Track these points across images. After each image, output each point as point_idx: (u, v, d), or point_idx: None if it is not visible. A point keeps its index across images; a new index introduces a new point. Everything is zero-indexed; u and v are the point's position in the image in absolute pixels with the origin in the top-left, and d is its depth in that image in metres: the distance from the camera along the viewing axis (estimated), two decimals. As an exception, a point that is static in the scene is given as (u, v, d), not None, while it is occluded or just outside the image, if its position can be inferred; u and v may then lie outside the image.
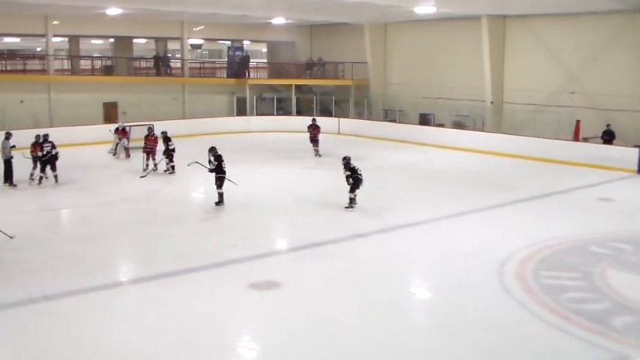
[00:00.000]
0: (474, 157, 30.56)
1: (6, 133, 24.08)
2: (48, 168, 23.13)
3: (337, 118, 39.47)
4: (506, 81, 34.66)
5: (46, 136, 23.78)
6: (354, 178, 19.42)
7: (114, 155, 30.33)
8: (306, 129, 30.73)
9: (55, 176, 23.29)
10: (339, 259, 14.75)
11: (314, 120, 31.17)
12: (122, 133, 30.43)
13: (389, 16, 37.02)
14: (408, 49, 39.71)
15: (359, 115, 40.23)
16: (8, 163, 23.33)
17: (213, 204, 19.92)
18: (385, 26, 40.76)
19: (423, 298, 13.07)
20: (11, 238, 15.06)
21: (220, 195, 19.85)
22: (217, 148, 20.54)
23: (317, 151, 30.08)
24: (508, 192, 22.33)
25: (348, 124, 38.93)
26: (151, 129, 26.98)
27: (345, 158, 19.82)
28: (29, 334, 10.70)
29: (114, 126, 31.42)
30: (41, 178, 23.05)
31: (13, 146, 23.48)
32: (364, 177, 19.51)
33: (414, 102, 36.94)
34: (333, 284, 13.08)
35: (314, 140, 30.24)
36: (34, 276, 13.66)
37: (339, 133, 38.08)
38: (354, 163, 19.79)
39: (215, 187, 19.83)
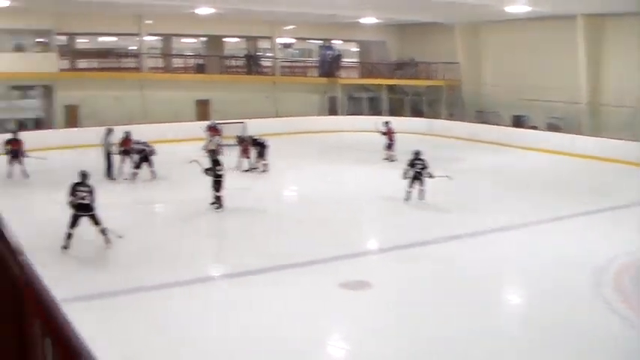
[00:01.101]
0: (569, 160, 29.85)
1: (107, 129, 24.87)
2: (145, 164, 23.71)
3: (428, 119, 39.28)
4: (602, 82, 33.82)
5: (128, 133, 24.50)
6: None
7: (207, 152, 30.82)
8: (383, 131, 29.58)
9: (152, 172, 23.90)
10: (431, 261, 14.66)
11: (387, 123, 30.18)
12: (214, 130, 30.92)
13: (480, 16, 36.55)
14: (501, 49, 39.06)
15: (450, 116, 39.90)
16: (109, 158, 24.08)
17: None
18: (477, 26, 40.26)
19: (516, 303, 12.91)
20: (120, 237, 15.37)
21: (218, 198, 19.53)
22: (217, 152, 20.69)
23: (391, 156, 29.03)
24: (606, 197, 21.71)
25: (439, 124, 38.60)
26: (241, 138, 27.22)
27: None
28: (123, 323, 11.04)
29: (206, 123, 31.94)
30: (135, 174, 23.64)
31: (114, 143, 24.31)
32: (455, 177, 19.36)
33: (508, 103, 36.32)
34: (423, 286, 13.03)
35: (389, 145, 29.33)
36: (128, 268, 14.09)
37: (430, 134, 37.89)
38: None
39: (213, 190, 19.59)
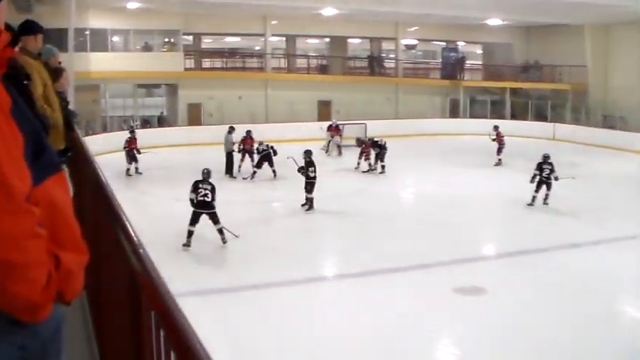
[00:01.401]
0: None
1: (229, 127, 25.49)
2: (266, 164, 24.11)
3: (553, 123, 38.38)
4: None
5: (249, 132, 25.02)
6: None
7: (326, 152, 31.09)
8: (493, 137, 28.98)
9: (274, 171, 24.29)
10: (549, 269, 14.36)
11: (496, 127, 29.50)
12: (335, 130, 31.17)
13: (612, 17, 35.43)
14: (633, 51, 37.73)
15: (576, 121, 38.80)
16: (229, 156, 24.67)
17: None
18: (608, 27, 39.04)
19: (635, 316, 12.53)
20: (237, 237, 15.79)
21: (310, 200, 19.65)
22: (312, 153, 20.58)
23: (500, 160, 28.80)
24: None
25: (563, 129, 37.65)
26: (360, 140, 27.33)
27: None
28: (236, 318, 11.33)
29: (327, 123, 32.20)
30: (254, 172, 24.05)
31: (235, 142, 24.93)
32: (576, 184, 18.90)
33: (637, 108, 34.98)
34: (540, 294, 12.79)
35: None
36: (243, 264, 14.44)
37: (554, 139, 37.00)
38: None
39: (305, 191, 19.71)
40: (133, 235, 2.46)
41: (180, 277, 12.57)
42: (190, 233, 15.20)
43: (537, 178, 20.15)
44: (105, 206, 3.14)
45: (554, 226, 18.14)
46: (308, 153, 20.44)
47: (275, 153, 24.17)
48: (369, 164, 26.01)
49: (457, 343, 10.84)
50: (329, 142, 31.22)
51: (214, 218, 15.28)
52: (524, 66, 43.18)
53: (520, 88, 42.81)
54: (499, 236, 17.97)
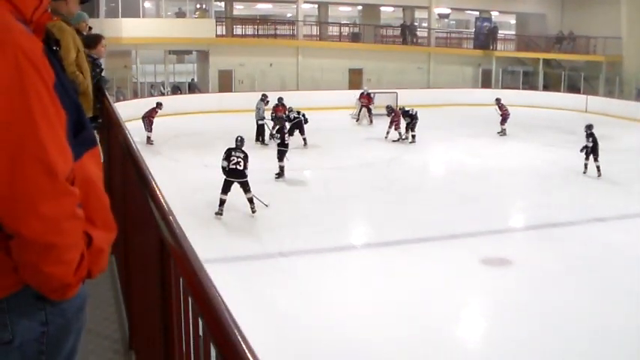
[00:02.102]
0: None
1: (262, 95, 25.51)
2: (297, 132, 24.10)
3: (585, 96, 37.91)
4: None
5: (280, 99, 25.07)
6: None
7: (357, 121, 31.04)
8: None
9: (304, 139, 24.30)
10: (577, 242, 14.31)
11: (499, 100, 29.28)
12: (366, 98, 31.06)
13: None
14: (670, 23, 37.06)
15: (609, 94, 38.29)
16: (261, 124, 24.69)
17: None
18: (646, -3, 38.44)
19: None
20: (267, 206, 15.79)
21: (281, 168, 19.73)
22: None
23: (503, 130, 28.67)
24: None
25: (596, 102, 37.15)
26: (391, 108, 27.16)
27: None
28: (264, 285, 11.42)
29: (358, 92, 32.09)
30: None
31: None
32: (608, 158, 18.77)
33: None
34: (567, 268, 12.72)
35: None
36: (272, 232, 14.49)
37: (586, 111, 36.60)
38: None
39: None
40: (162, 201, 2.48)
41: (209, 245, 12.71)
42: (222, 202, 15.23)
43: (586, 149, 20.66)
44: (135, 172, 3.17)
45: (585, 199, 18.03)
46: (279, 120, 21.43)
47: (306, 121, 24.15)
48: (399, 133, 25.90)
49: (484, 314, 10.87)
50: (360, 110, 31.12)
51: (245, 187, 15.29)
52: (557, 37, 42.61)
53: (553, 59, 42.35)
54: (528, 208, 17.86)
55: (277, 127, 22.01)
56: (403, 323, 10.03)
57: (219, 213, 15.21)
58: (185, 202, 15.61)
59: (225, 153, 15.37)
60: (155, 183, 2.74)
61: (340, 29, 43.56)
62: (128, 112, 25.13)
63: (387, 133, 26.21)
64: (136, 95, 33.56)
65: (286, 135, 20.56)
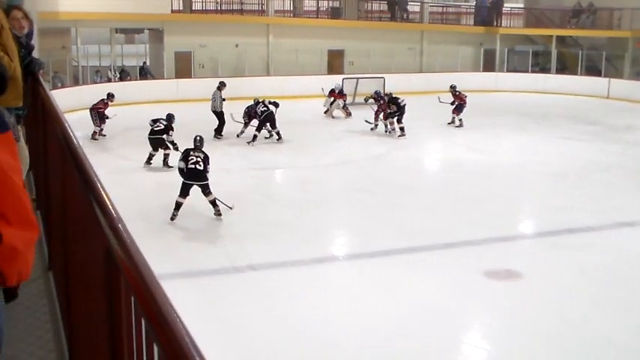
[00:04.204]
0: None
1: (220, 83, 25.42)
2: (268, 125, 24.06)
3: (607, 79, 38.02)
4: None
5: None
6: None
7: (325, 113, 30.72)
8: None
9: (277, 133, 24.28)
10: (598, 251, 14.33)
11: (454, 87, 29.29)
12: (338, 96, 30.72)
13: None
14: None
15: (636, 76, 38.43)
16: (219, 115, 24.61)
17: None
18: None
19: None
20: (231, 208, 15.81)
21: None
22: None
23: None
24: None
25: (620, 85, 37.31)
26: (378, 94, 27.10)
27: None
28: (231, 305, 11.38)
29: (329, 86, 31.69)
30: (255, 137, 23.94)
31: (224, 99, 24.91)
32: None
33: None
34: (587, 280, 12.78)
35: None
36: (239, 242, 14.45)
37: (608, 97, 36.83)
38: None
39: None
40: (110, 207, 2.47)
41: (166, 256, 12.69)
42: (178, 205, 15.29)
43: None
44: (76, 173, 3.16)
45: (606, 200, 18.09)
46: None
47: (277, 105, 24.12)
48: (386, 125, 25.84)
49: (489, 336, 10.88)
50: (332, 103, 30.67)
51: (206, 190, 15.38)
52: (574, 10, 42.64)
53: (569, 36, 42.53)
54: (539, 212, 17.92)
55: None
56: (396, 346, 10.03)
57: (173, 217, 15.29)
58: (137, 207, 15.60)
59: (182, 154, 15.69)
60: (101, 185, 2.73)
61: (318, 4, 43.59)
62: (68, 101, 25.09)
63: (375, 125, 26.17)
64: (77, 81, 33.45)
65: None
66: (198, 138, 15.92)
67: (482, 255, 13.97)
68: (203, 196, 15.39)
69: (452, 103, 28.34)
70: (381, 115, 25.93)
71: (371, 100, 27.33)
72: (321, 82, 32.83)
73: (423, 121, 27.13)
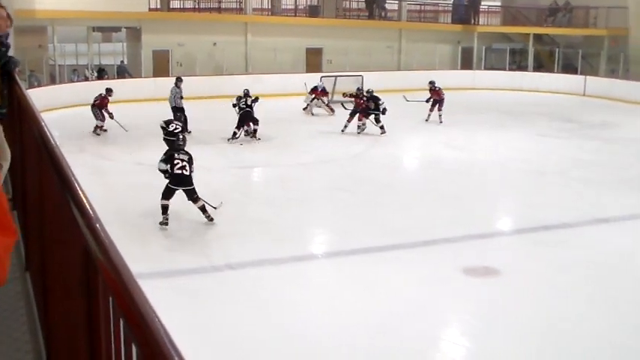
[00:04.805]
0: None
1: (177, 78, 25.52)
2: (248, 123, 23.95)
3: (584, 77, 38.26)
4: None
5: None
6: None
7: (303, 109, 30.75)
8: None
9: (255, 130, 24.15)
10: (575, 247, 14.39)
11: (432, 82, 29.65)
12: (320, 94, 30.78)
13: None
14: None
15: (612, 73, 38.60)
16: (178, 111, 24.90)
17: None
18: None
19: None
20: (215, 209, 15.35)
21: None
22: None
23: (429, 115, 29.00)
24: None
25: (596, 83, 37.49)
26: (360, 91, 26.90)
27: None
28: (209, 304, 11.37)
29: (316, 81, 31.93)
30: (235, 134, 23.84)
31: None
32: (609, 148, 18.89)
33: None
34: (564, 276, 12.82)
35: None
36: (218, 241, 14.40)
37: (584, 94, 37.06)
38: None
39: None
40: (87, 206, 2.46)
41: (144, 256, 12.65)
42: (165, 208, 14.76)
43: None
44: (53, 172, 3.14)
45: (583, 197, 18.20)
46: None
47: (256, 100, 24.04)
48: (359, 126, 25.80)
49: (467, 333, 10.91)
50: (311, 100, 30.73)
51: (192, 195, 14.86)
52: (551, 8, 42.93)
53: (545, 34, 42.75)
54: (518, 209, 17.99)
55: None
56: (375, 344, 10.04)
57: (165, 222, 14.75)
58: (115, 206, 15.50)
59: (165, 154, 15.01)
60: (79, 185, 2.71)
61: (296, 2, 43.54)
62: (45, 100, 24.99)
63: (359, 127, 25.88)
64: (53, 80, 33.30)
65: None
66: (181, 137, 15.32)
67: (461, 252, 13.97)
68: (190, 202, 14.95)
69: (427, 101, 28.48)
70: (356, 117, 25.74)
71: (348, 104, 27.11)
72: (299, 80, 32.90)
73: (402, 119, 27.14)
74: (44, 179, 3.70)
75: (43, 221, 3.81)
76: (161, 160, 14.89)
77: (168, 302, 10.35)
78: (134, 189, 17.86)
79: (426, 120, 28.50)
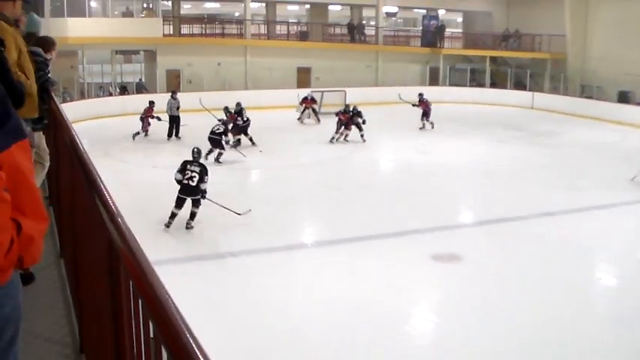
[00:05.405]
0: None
1: (172, 92, 25.90)
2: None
3: (531, 92, 38.40)
4: None
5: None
6: None
7: (298, 119, 30.87)
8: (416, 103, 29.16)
9: (251, 139, 23.81)
10: (524, 237, 14.53)
11: (421, 95, 29.66)
12: (310, 102, 30.88)
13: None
14: (612, 21, 37.30)
15: (554, 90, 38.70)
16: (174, 120, 25.50)
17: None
18: (588, -4, 38.94)
19: (607, 284, 12.64)
20: (240, 215, 14.68)
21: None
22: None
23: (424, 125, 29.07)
24: None
25: (542, 98, 37.68)
26: (347, 108, 26.71)
27: None
28: (213, 286, 11.40)
29: (302, 95, 31.95)
30: (237, 142, 23.50)
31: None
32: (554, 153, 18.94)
33: (614, 78, 34.77)
34: (516, 261, 12.91)
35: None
36: (223, 232, 14.39)
37: (532, 108, 37.15)
38: None
39: None
40: (110, 203, 2.46)
41: (159, 246, 12.64)
42: (173, 215, 14.29)
43: None
44: (82, 174, 3.14)
45: (532, 195, 18.22)
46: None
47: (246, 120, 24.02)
48: (342, 135, 25.69)
49: (435, 310, 10.96)
50: (303, 111, 30.88)
51: (197, 204, 14.32)
52: (504, 35, 43.15)
53: (500, 56, 42.88)
54: (476, 205, 18.03)
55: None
56: (353, 319, 10.06)
57: (168, 225, 14.27)
58: (135, 203, 15.43)
59: (181, 165, 14.45)
60: (103, 184, 2.72)
61: (288, 28, 43.50)
62: (75, 113, 24.90)
63: (345, 136, 25.73)
64: (83, 96, 33.17)
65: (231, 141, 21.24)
66: (195, 150, 14.78)
67: (430, 242, 14.03)
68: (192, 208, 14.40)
69: (413, 105, 28.72)
70: (342, 129, 25.69)
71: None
72: (291, 96, 32.93)
73: (380, 127, 27.14)
74: (75, 180, 3.71)
75: (74, 216, 3.81)
76: (177, 171, 14.34)
77: (179, 284, 10.33)
78: (151, 187, 17.84)
79: (420, 128, 28.75)
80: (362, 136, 25.56)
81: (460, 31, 48.09)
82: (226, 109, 24.19)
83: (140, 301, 1.98)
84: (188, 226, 14.39)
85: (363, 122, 25.25)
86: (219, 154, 20.97)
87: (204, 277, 11.97)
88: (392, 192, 18.63)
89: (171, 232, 14.27)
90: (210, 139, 20.93)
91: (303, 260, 13.20)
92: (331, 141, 25.54)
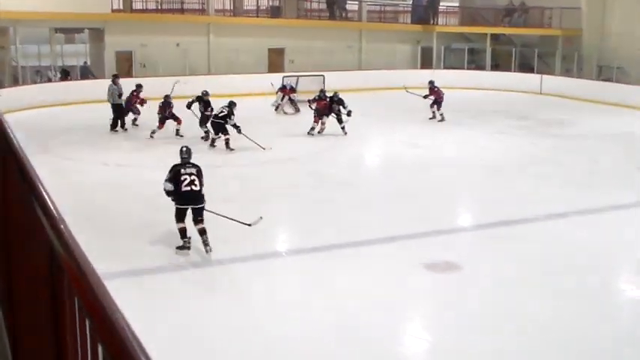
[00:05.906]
0: None
1: (113, 76, 25.73)
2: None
3: (540, 75, 38.53)
4: None
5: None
6: None
7: (275, 109, 30.86)
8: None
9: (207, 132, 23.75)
10: (532, 242, 14.47)
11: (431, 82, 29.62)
12: (290, 92, 30.87)
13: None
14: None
15: (566, 72, 38.78)
16: (118, 108, 25.51)
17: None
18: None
19: (633, 297, 12.66)
20: (250, 225, 13.76)
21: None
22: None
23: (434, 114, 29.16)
24: None
25: (552, 82, 37.76)
26: (323, 94, 26.61)
27: None
28: (171, 302, 11.30)
29: (277, 83, 31.99)
30: (207, 133, 23.47)
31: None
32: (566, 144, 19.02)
33: (638, 57, 34.85)
34: (523, 270, 12.86)
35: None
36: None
37: (540, 93, 37.32)
38: None
39: None
40: (52, 207, 2.44)
41: (109, 256, 12.52)
42: (183, 231, 13.16)
43: None
44: (18, 174, 3.11)
45: (540, 194, 18.25)
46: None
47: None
48: (319, 124, 25.61)
49: (430, 327, 10.95)
50: (282, 98, 30.85)
51: (200, 214, 13.12)
52: (507, 9, 43.18)
53: (502, 34, 42.96)
54: (477, 205, 18.07)
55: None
56: (339, 338, 10.02)
57: (184, 247, 13.12)
58: (81, 207, 15.33)
59: (170, 172, 13.25)
60: (43, 185, 2.69)
61: (258, 3, 43.43)
62: (7, 102, 24.73)
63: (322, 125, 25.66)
64: (16, 82, 32.95)
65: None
66: (184, 149, 13.69)
67: (422, 248, 14.04)
68: (192, 223, 13.24)
69: (425, 97, 28.74)
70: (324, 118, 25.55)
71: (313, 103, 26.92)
72: (262, 81, 32.88)
73: (363, 117, 27.13)
74: (8, 180, 3.67)
75: (7, 223, 3.78)
76: (166, 180, 13.12)
77: (134, 301, 10.27)
78: (101, 189, 17.73)
79: (430, 118, 28.84)
80: (343, 128, 25.46)
81: (456, 5, 48.15)
82: (205, 94, 24.02)
83: (87, 322, 1.96)
84: (209, 250, 13.04)
85: (348, 114, 25.04)
86: (226, 140, 21.86)
87: (164, 291, 11.87)
88: (378, 191, 18.63)
89: (124, 241, 14.07)
90: (213, 123, 22.02)
91: (277, 272, 13.13)
92: (310, 133, 25.51)
